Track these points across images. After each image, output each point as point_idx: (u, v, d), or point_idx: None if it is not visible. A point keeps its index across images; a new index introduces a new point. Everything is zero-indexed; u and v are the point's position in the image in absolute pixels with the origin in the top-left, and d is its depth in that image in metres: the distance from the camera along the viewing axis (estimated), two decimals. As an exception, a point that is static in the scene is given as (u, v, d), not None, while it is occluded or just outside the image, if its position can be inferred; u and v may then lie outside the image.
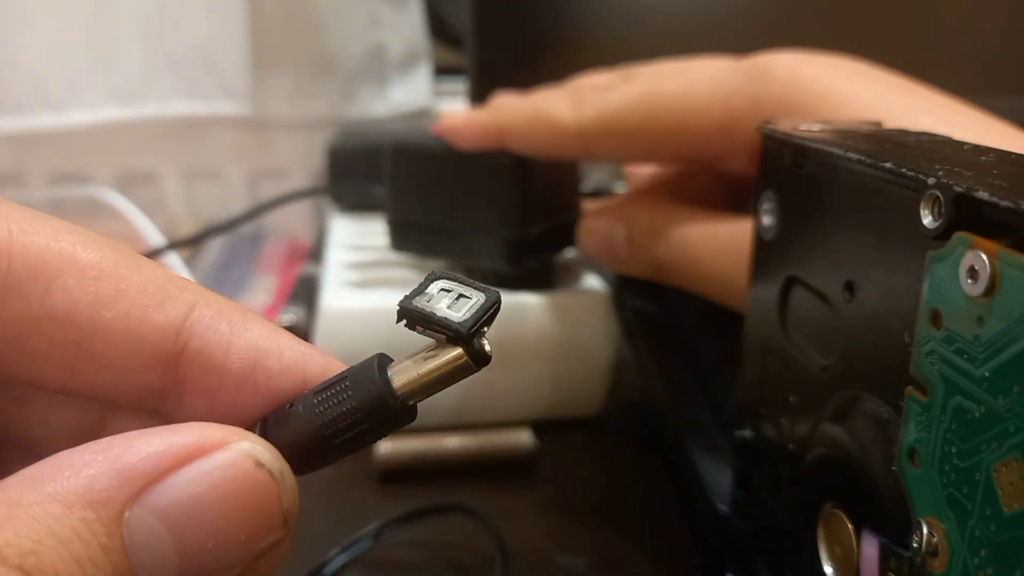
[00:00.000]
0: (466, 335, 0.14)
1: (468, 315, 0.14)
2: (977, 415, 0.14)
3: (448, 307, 0.14)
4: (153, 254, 0.44)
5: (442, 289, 0.15)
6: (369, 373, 0.14)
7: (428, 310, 0.14)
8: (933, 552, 0.15)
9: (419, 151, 0.34)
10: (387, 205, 0.35)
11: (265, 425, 0.15)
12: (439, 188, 0.33)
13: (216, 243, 0.52)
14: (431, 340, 0.14)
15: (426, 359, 0.14)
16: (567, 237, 0.35)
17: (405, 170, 0.34)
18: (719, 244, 0.28)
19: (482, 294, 0.14)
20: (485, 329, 0.14)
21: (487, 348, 0.14)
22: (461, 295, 0.14)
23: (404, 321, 0.14)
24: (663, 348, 0.36)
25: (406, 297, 0.14)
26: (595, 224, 0.33)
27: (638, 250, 0.31)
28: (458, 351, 0.14)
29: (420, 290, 0.15)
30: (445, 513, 0.29)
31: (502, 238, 0.33)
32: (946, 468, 0.15)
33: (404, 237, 0.35)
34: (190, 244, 0.48)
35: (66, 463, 0.12)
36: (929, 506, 0.15)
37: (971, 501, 0.14)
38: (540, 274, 0.35)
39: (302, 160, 0.55)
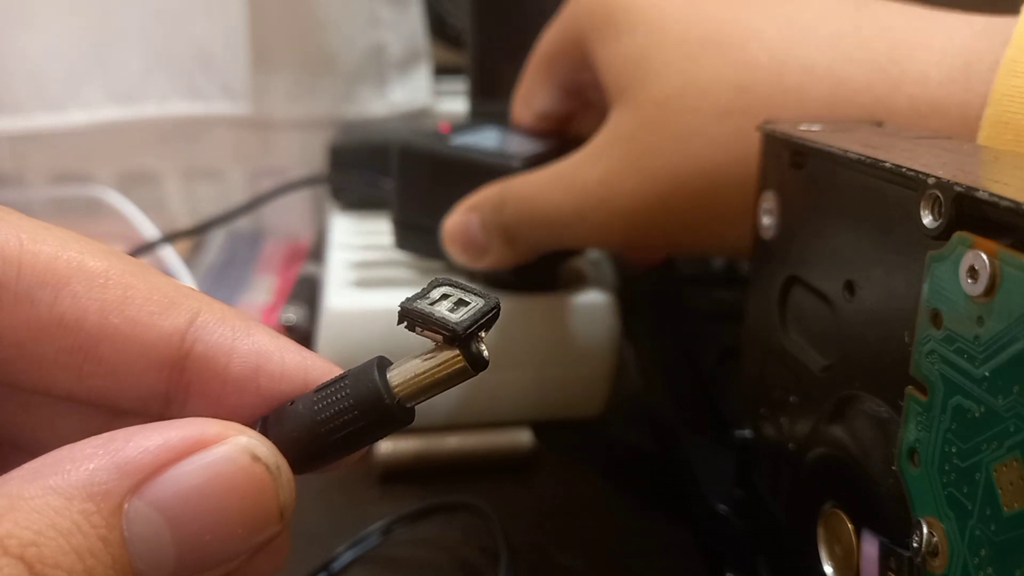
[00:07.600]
0: (462, 335, 0.14)
1: (465, 317, 0.14)
2: (977, 415, 0.14)
3: (448, 310, 0.15)
4: (150, 248, 0.44)
5: (444, 294, 0.15)
6: (367, 373, 0.15)
7: (427, 311, 0.15)
8: (933, 552, 0.15)
9: (427, 153, 0.34)
10: (392, 204, 0.35)
11: (265, 422, 0.15)
12: (445, 191, 0.33)
13: (216, 242, 0.52)
14: (431, 343, 0.15)
15: (424, 360, 0.15)
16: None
17: (412, 171, 0.34)
18: (556, 183, 0.29)
19: (482, 299, 0.15)
20: (483, 333, 0.15)
21: (485, 353, 0.15)
22: (462, 300, 0.15)
23: (404, 323, 0.15)
24: (663, 348, 0.36)
25: (408, 299, 0.15)
26: (450, 224, 0.32)
27: (492, 229, 0.30)
28: (455, 353, 0.14)
29: (422, 294, 0.15)
30: (451, 511, 0.29)
31: None
32: (946, 468, 0.15)
33: (408, 237, 0.35)
34: (188, 236, 0.48)
35: (67, 457, 0.12)
36: (929, 506, 0.15)
37: (971, 501, 0.14)
38: (546, 276, 0.35)
39: (302, 160, 0.55)
